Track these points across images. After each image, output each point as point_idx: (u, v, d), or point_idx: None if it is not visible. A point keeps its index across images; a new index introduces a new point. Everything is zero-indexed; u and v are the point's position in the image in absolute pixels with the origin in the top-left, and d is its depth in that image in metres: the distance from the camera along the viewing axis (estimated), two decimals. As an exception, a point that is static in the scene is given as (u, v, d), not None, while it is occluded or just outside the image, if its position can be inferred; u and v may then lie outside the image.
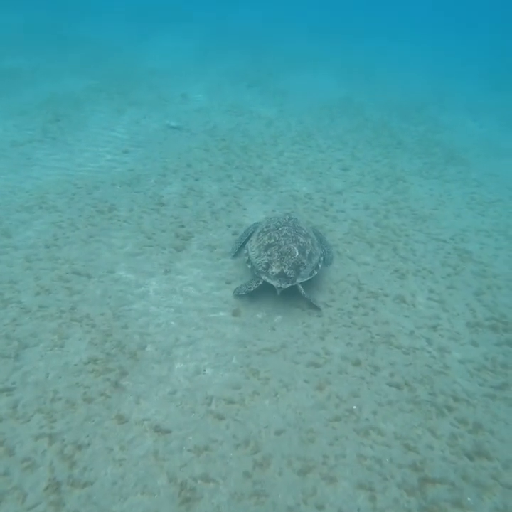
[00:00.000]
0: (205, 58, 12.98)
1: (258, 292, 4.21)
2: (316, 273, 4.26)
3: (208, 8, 22.06)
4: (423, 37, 22.23)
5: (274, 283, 4.01)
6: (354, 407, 3.23)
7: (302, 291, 4.08)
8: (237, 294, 4.14)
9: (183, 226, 5.06)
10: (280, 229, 4.40)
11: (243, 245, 4.71)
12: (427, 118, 10.25)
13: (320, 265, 4.35)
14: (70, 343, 3.47)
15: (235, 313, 3.98)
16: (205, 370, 3.41)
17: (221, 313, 3.97)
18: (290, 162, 6.96)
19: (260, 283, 4.08)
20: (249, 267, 4.28)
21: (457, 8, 33.22)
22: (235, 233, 5.04)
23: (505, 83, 14.26)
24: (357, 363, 3.60)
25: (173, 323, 3.81)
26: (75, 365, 3.29)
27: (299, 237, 4.33)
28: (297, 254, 4.15)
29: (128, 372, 3.30)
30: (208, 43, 14.92)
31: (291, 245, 4.20)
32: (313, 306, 4.10)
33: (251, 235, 4.73)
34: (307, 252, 4.24)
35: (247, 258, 4.36)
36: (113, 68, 11.04)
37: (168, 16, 19.26)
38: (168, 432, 2.92)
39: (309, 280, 4.22)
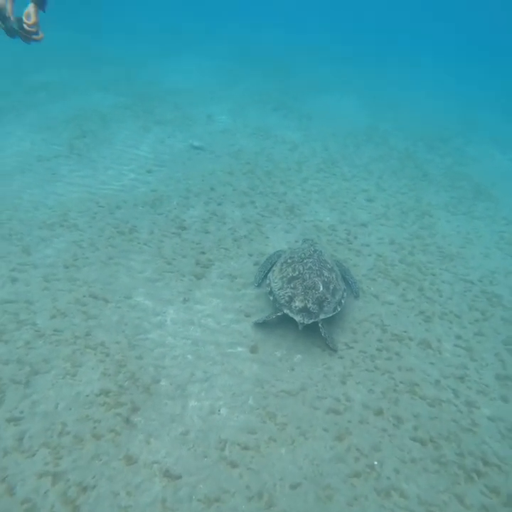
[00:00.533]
0: (228, 79, 13.18)
1: (277, 327, 4.11)
2: (339, 309, 4.16)
3: (231, 29, 22.59)
4: (448, 65, 22.31)
5: (297, 318, 3.91)
6: (375, 462, 3.07)
7: (322, 330, 3.98)
8: (257, 323, 4.07)
9: (204, 253, 5.02)
10: (305, 261, 4.34)
11: (266, 275, 4.64)
12: (453, 149, 10.15)
13: (343, 301, 4.25)
14: (82, 371, 3.40)
15: (254, 350, 3.87)
16: (219, 411, 3.30)
17: (239, 349, 3.87)
18: (314, 190, 6.92)
19: (280, 314, 4.00)
20: (271, 298, 4.20)
21: (480, 37, 33.38)
22: (256, 263, 4.97)
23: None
24: (379, 413, 3.44)
25: (189, 356, 3.72)
26: (87, 396, 3.22)
27: (323, 271, 4.27)
28: (322, 289, 4.07)
29: (140, 408, 3.20)
30: (232, 63, 15.18)
31: (316, 279, 4.13)
32: (329, 347, 3.97)
33: (274, 264, 4.67)
34: (331, 287, 4.16)
35: (269, 289, 4.28)
36: (139, 86, 11.28)
37: (192, 36, 19.73)
38: (178, 477, 2.80)
39: (332, 317, 4.10)
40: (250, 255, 5.10)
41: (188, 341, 3.86)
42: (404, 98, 14.20)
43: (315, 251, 4.59)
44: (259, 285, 4.63)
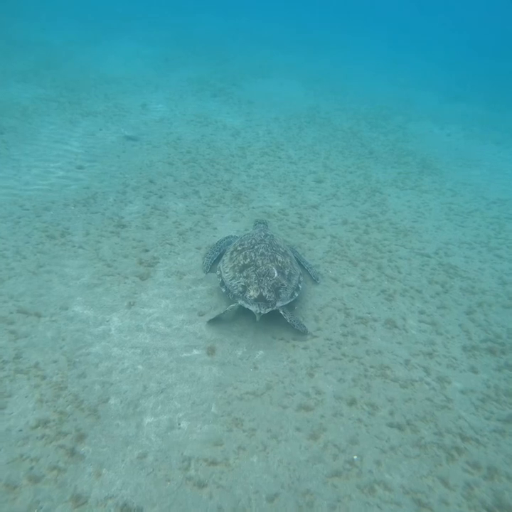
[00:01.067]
0: (165, 66, 12.57)
1: (234, 323, 3.82)
2: (297, 295, 3.96)
3: (167, 14, 21.70)
4: (384, 51, 22.85)
5: (253, 308, 3.67)
6: (355, 457, 2.87)
7: (286, 316, 3.76)
8: (211, 321, 3.78)
9: (147, 250, 4.60)
10: (256, 247, 4.10)
11: (216, 261, 4.35)
12: (395, 127, 10.28)
13: (301, 286, 4.05)
14: (13, 402, 2.92)
15: (211, 351, 3.55)
16: (180, 424, 2.96)
17: (195, 352, 3.54)
18: (261, 175, 6.65)
19: (235, 306, 3.76)
20: (223, 290, 3.93)
21: (415, 23, 34.63)
22: (199, 249, 4.62)
23: (462, 95, 14.70)
24: (352, 403, 3.25)
25: (140, 367, 3.33)
26: (20, 431, 2.75)
27: (277, 256, 4.05)
28: (276, 274, 3.85)
29: (87, 435, 2.79)
30: (168, 50, 14.54)
31: (269, 265, 3.91)
32: (298, 331, 3.77)
33: (223, 252, 4.41)
34: (286, 273, 3.95)
35: (220, 280, 4.00)
36: (65, 76, 10.43)
37: (125, 21, 18.71)
38: (139, 510, 2.44)
39: (291, 304, 3.87)
40: (198, 249, 4.75)
41: (137, 350, 3.47)
42: (346, 81, 14.28)
43: (266, 235, 4.35)
44: (209, 271, 4.37)
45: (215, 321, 3.79)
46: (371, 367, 3.59)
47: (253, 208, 5.69)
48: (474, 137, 10.52)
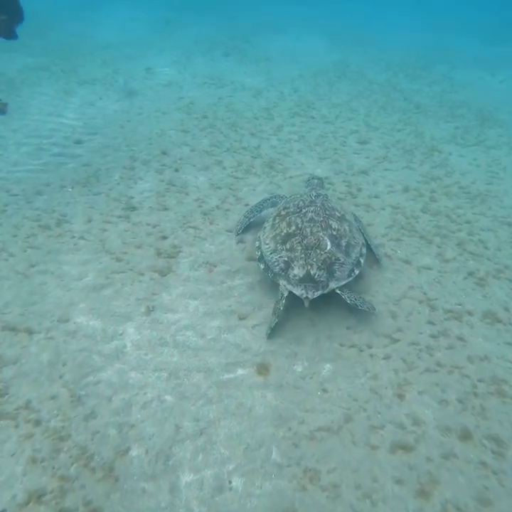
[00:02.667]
0: (167, 29, 11.48)
1: (287, 324, 2.99)
2: (357, 272, 3.14)
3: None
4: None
5: (298, 291, 2.92)
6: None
7: (345, 296, 2.99)
8: (271, 334, 2.92)
9: (165, 237, 3.74)
10: (304, 211, 3.31)
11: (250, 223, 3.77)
12: (439, 77, 9.09)
13: (362, 260, 3.22)
14: (-4, 463, 2.14)
15: (263, 369, 2.71)
16: (231, 482, 2.15)
17: (240, 371, 2.70)
18: (294, 139, 5.68)
19: (283, 297, 2.96)
20: (261, 266, 3.18)
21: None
22: (240, 241, 3.74)
23: (507, 37, 13.23)
24: (466, 436, 2.39)
25: (168, 397, 2.52)
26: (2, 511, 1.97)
27: (330, 222, 3.23)
28: (329, 247, 3.07)
29: (102, 508, 2.00)
30: (168, 12, 13.34)
31: (320, 234, 3.11)
32: (366, 310, 3.00)
33: (267, 217, 3.66)
34: (343, 243, 3.15)
35: (258, 253, 3.25)
36: (56, 43, 9.48)
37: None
38: None
39: (349, 284, 3.02)
40: (229, 231, 3.87)
41: (163, 373, 2.65)
42: (373, 32, 12.95)
43: (318, 195, 3.54)
44: (240, 232, 3.80)
45: (274, 331, 2.92)
46: (480, 381, 2.70)
47: (290, 177, 4.77)
48: (531, 83, 9.26)
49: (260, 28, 12.14)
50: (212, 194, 4.35)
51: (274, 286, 3.15)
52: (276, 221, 3.36)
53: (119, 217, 3.95)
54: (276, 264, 3.07)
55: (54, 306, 3.03)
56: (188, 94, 6.99)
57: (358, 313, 3.09)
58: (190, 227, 3.87)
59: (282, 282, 3.00)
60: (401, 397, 2.58)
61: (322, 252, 3.02)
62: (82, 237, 3.67)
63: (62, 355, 2.70)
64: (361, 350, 2.87)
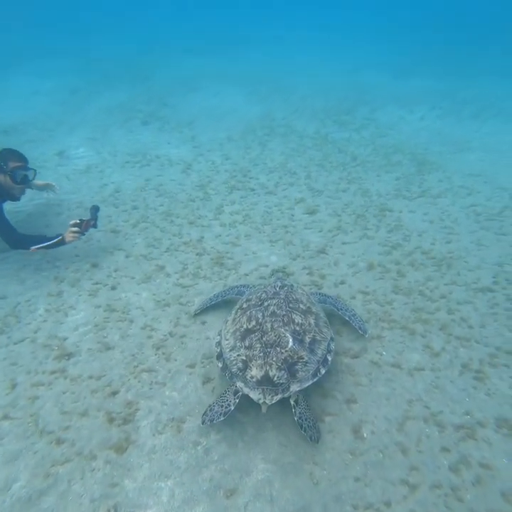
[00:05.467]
0: (74, 99, 10.97)
1: (287, 484, 2.48)
2: (323, 371, 2.91)
3: (68, 40, 19.92)
4: (318, 36, 22.45)
5: (255, 395, 2.72)
6: None
7: (295, 410, 2.75)
8: (210, 421, 2.73)
9: (115, 393, 3.15)
10: (266, 304, 3.11)
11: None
12: (364, 120, 9.37)
13: (330, 358, 3.00)
14: None
15: None
16: None
17: None
18: (238, 220, 5.35)
19: (239, 395, 2.79)
20: (219, 365, 2.95)
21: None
22: (206, 381, 3.23)
23: (410, 69, 14.24)
24: None
25: None
26: None
27: (293, 316, 3.03)
28: (291, 344, 2.85)
29: None
30: (74, 79, 12.88)
31: (282, 330, 2.91)
32: (310, 439, 2.70)
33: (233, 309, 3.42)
34: (308, 339, 2.94)
35: (218, 350, 3.03)
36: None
37: (16, 53, 16.81)
38: None
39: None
40: (191, 367, 3.36)
41: None
42: (288, 78, 13.31)
43: (282, 286, 3.33)
44: (198, 312, 3.78)
45: (214, 422, 2.66)
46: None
47: (245, 274, 4.37)
48: (448, 115, 9.84)
49: (175, 87, 12.03)
50: (160, 316, 3.84)
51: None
52: (238, 314, 3.18)
53: (53, 372, 3.30)
54: (234, 363, 2.89)
55: (-21, 544, 2.33)
56: (111, 179, 6.49)
57: (362, 454, 2.69)
58: (143, 370, 3.31)
59: (239, 384, 2.82)
60: None
61: (283, 350, 2.82)
62: (5, 417, 2.97)
63: None
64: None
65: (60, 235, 4.18)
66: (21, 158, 4.44)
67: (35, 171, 4.53)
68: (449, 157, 7.40)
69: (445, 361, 3.41)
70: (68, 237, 4.15)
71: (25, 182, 4.41)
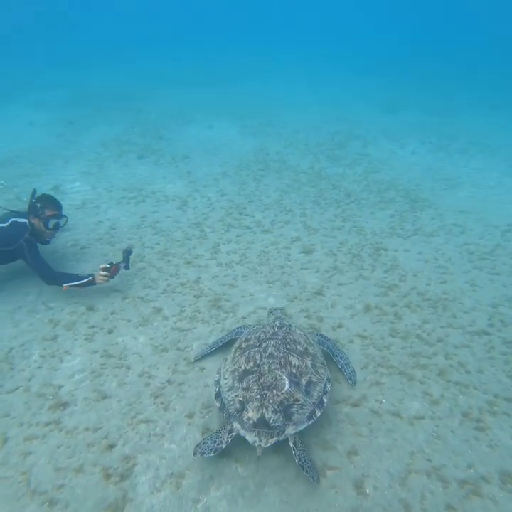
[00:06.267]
0: (70, 132, 11.12)
1: None
2: (319, 414, 2.97)
3: (59, 73, 20.29)
4: (303, 68, 23.13)
5: (251, 438, 2.78)
6: None
7: (295, 452, 2.81)
8: (201, 454, 2.81)
9: (112, 446, 3.10)
10: (264, 345, 3.19)
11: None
12: (356, 155, 9.59)
13: (326, 400, 3.05)
14: None
15: None
16: None
17: None
18: (235, 260, 5.39)
19: (232, 435, 2.85)
20: (218, 404, 3.02)
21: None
22: (205, 431, 3.20)
23: (397, 104, 14.67)
24: None
25: None
26: None
27: (291, 358, 3.10)
28: (287, 386, 2.92)
29: None
30: (69, 111, 13.10)
31: (278, 372, 2.98)
32: (309, 477, 2.72)
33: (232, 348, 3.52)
34: (304, 381, 3.02)
35: (217, 389, 3.12)
36: None
37: (14, 85, 17.05)
38: None
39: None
40: (189, 417, 3.32)
41: None
42: (278, 109, 13.70)
43: (281, 326, 3.41)
44: (198, 359, 3.81)
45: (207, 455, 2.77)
46: None
47: (243, 317, 4.38)
48: (437, 150, 10.12)
49: (170, 120, 12.26)
50: (158, 362, 3.81)
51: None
52: (237, 354, 3.26)
53: (47, 424, 3.24)
54: (231, 403, 2.95)
55: None
56: (107, 215, 6.53)
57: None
58: (141, 421, 3.27)
59: (236, 425, 2.86)
60: None
61: (279, 393, 2.88)
62: (-1, 476, 2.90)
63: None
64: None
65: (91, 275, 4.42)
66: (56, 207, 4.80)
67: (67, 218, 4.81)
68: (440, 193, 7.58)
69: (445, 409, 3.42)
70: (98, 279, 4.38)
71: (57, 228, 4.75)
